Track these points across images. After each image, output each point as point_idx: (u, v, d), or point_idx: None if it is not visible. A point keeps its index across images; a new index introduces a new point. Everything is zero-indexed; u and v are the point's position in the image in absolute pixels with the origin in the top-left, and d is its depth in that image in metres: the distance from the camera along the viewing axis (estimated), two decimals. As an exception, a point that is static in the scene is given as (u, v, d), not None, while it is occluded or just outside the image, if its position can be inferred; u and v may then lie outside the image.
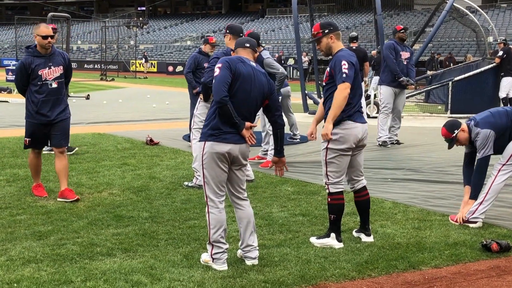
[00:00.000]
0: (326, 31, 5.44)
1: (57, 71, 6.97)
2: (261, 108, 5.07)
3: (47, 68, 6.90)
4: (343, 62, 5.24)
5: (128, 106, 20.28)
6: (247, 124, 4.82)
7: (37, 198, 7.03)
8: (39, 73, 6.86)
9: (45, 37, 6.83)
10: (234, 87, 4.77)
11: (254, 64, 4.96)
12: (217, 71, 4.80)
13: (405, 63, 11.28)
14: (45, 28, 6.88)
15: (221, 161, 4.80)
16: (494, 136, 6.08)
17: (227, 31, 7.12)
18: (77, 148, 10.29)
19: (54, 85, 6.95)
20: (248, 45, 5.06)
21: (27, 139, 7.11)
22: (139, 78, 41.01)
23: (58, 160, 7.13)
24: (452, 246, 5.45)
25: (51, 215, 6.35)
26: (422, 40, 26.70)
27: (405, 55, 11.31)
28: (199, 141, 4.91)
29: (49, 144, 7.36)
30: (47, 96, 6.92)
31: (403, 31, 11.47)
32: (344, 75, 5.21)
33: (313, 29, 5.61)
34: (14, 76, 10.24)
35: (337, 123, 5.32)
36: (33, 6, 71.56)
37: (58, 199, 6.95)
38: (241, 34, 7.06)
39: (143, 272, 4.70)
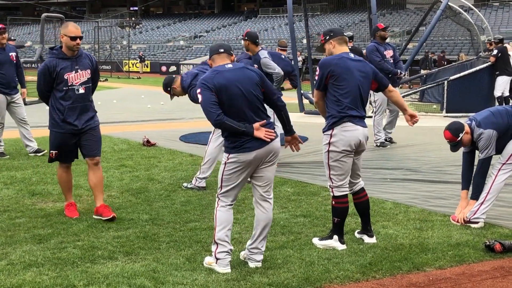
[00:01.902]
0: (327, 37, 5.54)
1: (84, 75, 6.25)
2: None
3: (74, 71, 6.17)
4: (318, 68, 5.43)
5: (122, 106, 20.20)
6: (255, 125, 4.75)
7: (35, 201, 6.96)
8: (65, 77, 6.12)
9: (73, 38, 6.13)
10: (224, 100, 4.72)
11: (231, 65, 4.89)
12: (199, 97, 4.78)
13: (391, 61, 11.14)
14: (73, 28, 6.18)
15: (246, 168, 4.78)
16: (497, 136, 6.06)
17: (168, 89, 7.60)
18: (45, 151, 9.47)
19: (81, 90, 6.21)
20: (222, 50, 4.98)
21: (54, 152, 6.34)
22: (133, 78, 40.93)
23: (92, 172, 6.43)
24: (455, 247, 5.44)
25: (50, 218, 6.29)
26: (415, 40, 26.76)
27: (389, 53, 11.09)
28: (224, 151, 4.88)
29: (78, 155, 6.62)
30: (73, 103, 6.19)
31: (385, 29, 11.22)
32: (316, 83, 5.50)
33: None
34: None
35: (335, 124, 5.34)
36: (25, 7, 71.23)
37: (94, 217, 6.28)
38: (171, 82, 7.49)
39: (146, 275, 4.66)
